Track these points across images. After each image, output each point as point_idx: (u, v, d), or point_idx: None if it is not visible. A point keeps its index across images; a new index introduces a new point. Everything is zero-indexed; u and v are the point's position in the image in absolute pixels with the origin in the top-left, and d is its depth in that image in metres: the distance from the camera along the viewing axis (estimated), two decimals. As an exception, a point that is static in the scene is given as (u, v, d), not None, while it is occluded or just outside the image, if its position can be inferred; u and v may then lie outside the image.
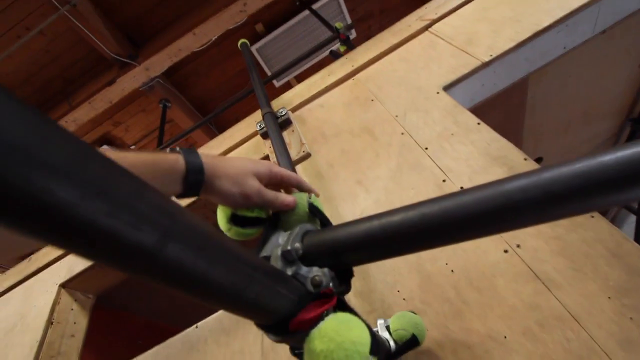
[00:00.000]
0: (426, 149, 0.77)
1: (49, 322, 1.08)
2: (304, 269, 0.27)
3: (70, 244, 0.13)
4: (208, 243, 0.17)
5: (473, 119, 0.76)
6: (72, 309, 1.23)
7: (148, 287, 1.70)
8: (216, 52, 2.75)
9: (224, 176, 0.40)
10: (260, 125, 1.06)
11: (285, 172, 0.46)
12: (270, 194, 0.41)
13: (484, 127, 0.74)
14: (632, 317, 0.44)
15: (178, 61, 2.44)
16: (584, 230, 0.53)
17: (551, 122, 1.51)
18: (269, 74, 2.88)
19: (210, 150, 1.23)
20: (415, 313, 0.49)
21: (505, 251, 0.55)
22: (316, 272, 0.27)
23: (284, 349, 0.63)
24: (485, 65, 0.87)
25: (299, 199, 0.43)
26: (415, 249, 0.27)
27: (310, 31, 2.76)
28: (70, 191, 0.11)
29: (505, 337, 0.48)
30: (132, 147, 3.24)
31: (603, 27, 0.95)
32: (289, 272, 0.27)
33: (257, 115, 1.19)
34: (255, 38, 2.73)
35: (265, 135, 1.06)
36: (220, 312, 0.76)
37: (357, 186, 0.79)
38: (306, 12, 2.56)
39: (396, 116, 0.88)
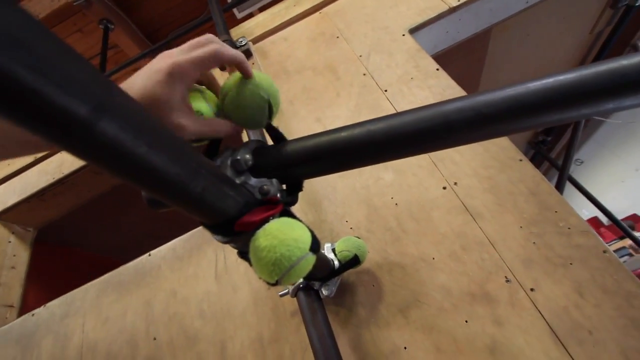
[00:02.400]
0: (386, 91, 0.78)
1: (-17, 253, 1.02)
2: (253, 180, 0.28)
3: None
4: (148, 127, 0.17)
5: (433, 65, 0.78)
6: (9, 241, 1.16)
7: (96, 222, 1.64)
8: (167, -34, 2.39)
9: None
10: (217, 55, 0.99)
11: (209, 53, 0.30)
12: (204, 126, 0.29)
13: (442, 73, 0.76)
14: (535, 241, 0.52)
15: (120, -27, 2.09)
16: (512, 172, 0.59)
17: (505, 80, 1.59)
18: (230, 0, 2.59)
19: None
20: (359, 238, 0.54)
21: (444, 188, 0.61)
22: (265, 182, 0.28)
23: (236, 271, 0.66)
24: (452, 10, 0.87)
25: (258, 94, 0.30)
26: (360, 163, 0.29)
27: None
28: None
29: (433, 258, 0.55)
30: (69, 73, 2.85)
31: (565, -15, 0.97)
32: (238, 181, 0.28)
33: (215, 44, 1.10)
34: (214, -45, 2.39)
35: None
36: (174, 240, 0.77)
37: (316, 124, 0.79)
38: None
39: (360, 56, 0.86)
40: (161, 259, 0.77)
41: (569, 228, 0.52)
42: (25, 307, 1.06)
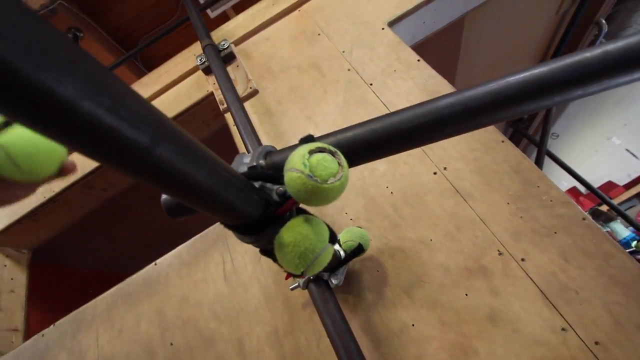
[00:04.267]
0: (371, 84, 0.80)
1: (-20, 279, 1.01)
2: (268, 184, 0.31)
3: (79, 141, 0.14)
4: (190, 147, 0.19)
5: (414, 56, 0.81)
6: (5, 265, 1.14)
7: (92, 238, 1.62)
8: (133, -31, 2.33)
9: None
10: (200, 60, 0.99)
11: None
12: None
13: (422, 64, 0.79)
14: (522, 216, 0.57)
15: (85, -21, 2.03)
16: (495, 153, 0.64)
17: (481, 63, 1.65)
18: (202, 1, 2.55)
19: (145, 89, 1.12)
20: (361, 228, 0.58)
21: (435, 173, 0.65)
22: (280, 185, 0.31)
23: (244, 271, 0.69)
24: (428, 0, 0.90)
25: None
26: (365, 159, 0.32)
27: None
28: (75, 85, 0.12)
29: (431, 240, 0.59)
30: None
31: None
32: (257, 185, 0.30)
33: (196, 49, 1.10)
34: (181, -44, 2.35)
35: (207, 71, 1.00)
36: (178, 248, 0.79)
37: (307, 122, 0.81)
38: None
39: (343, 52, 0.89)
40: (168, 267, 0.78)
41: (551, 200, 0.57)
42: (30, 330, 1.06)
